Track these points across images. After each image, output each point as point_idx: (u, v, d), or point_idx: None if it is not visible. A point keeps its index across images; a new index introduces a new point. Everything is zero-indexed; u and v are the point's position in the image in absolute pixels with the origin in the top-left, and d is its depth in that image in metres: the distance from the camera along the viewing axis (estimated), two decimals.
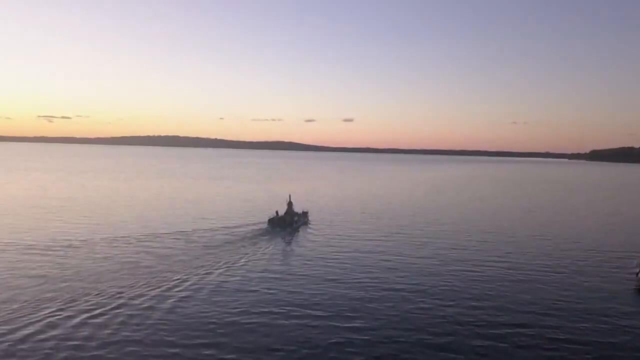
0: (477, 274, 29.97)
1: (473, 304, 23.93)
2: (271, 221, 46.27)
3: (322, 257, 33.76)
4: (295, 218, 49.25)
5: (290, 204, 51.91)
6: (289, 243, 39.77)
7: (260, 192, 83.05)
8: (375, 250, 36.91)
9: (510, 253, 36.54)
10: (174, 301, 23.09)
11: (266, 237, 40.53)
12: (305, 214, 54.12)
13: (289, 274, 29.00)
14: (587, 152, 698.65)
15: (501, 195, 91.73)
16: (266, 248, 36.25)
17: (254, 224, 46.27)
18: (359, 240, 41.00)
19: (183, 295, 24.09)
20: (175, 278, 26.76)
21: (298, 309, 22.69)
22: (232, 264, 30.50)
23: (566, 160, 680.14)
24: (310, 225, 50.21)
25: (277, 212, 49.33)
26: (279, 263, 32.01)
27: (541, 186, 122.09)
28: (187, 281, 26.41)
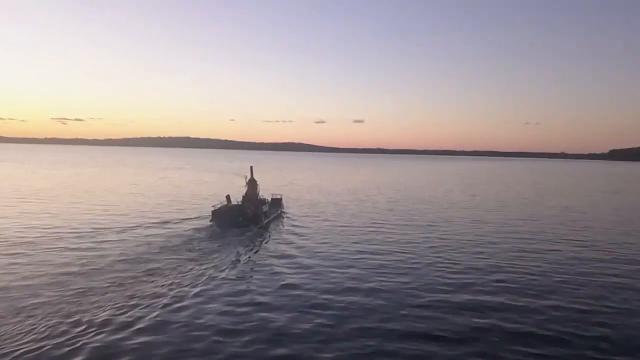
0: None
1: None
2: (217, 215, 33.96)
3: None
4: (265, 208, 37.08)
5: (252, 182, 40.00)
6: (247, 262, 24.98)
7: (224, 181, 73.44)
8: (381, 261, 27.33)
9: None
10: None
11: (201, 248, 26.88)
12: (277, 201, 43.28)
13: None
14: (606, 151, 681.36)
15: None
16: (190, 284, 20.27)
17: (189, 221, 35.17)
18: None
19: None
20: None
21: None
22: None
23: (586, 160, 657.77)
24: (287, 217, 39.45)
25: (227, 197, 37.74)
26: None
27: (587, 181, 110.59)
28: None
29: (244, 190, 39.51)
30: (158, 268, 22.30)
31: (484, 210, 49.44)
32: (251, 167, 40.73)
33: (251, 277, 21.91)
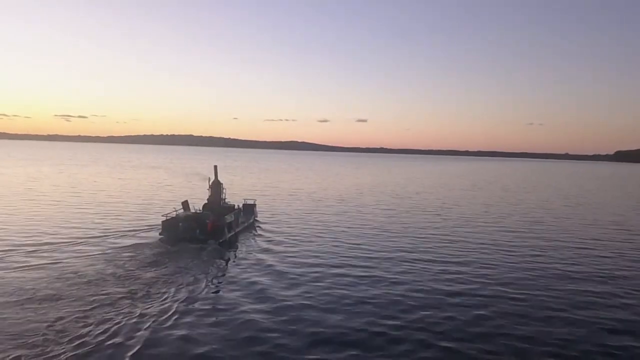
0: None
1: None
2: (168, 227, 27.57)
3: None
4: (229, 218, 30.04)
5: (216, 185, 33.40)
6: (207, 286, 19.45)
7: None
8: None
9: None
10: None
11: (138, 275, 20.42)
12: (249, 207, 36.61)
13: None
14: (612, 152, 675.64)
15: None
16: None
17: (137, 231, 29.27)
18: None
19: None
20: None
21: None
22: None
23: (590, 161, 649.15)
24: (261, 228, 33.27)
25: (184, 203, 31.13)
26: None
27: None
28: None
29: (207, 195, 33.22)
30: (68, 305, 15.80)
31: (538, 222, 42.46)
32: (215, 167, 34.20)
33: (200, 321, 15.65)
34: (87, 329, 14.49)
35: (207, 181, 33.94)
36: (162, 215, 28.95)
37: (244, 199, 38.25)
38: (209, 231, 27.82)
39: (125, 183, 67.85)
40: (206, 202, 32.83)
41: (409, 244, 30.15)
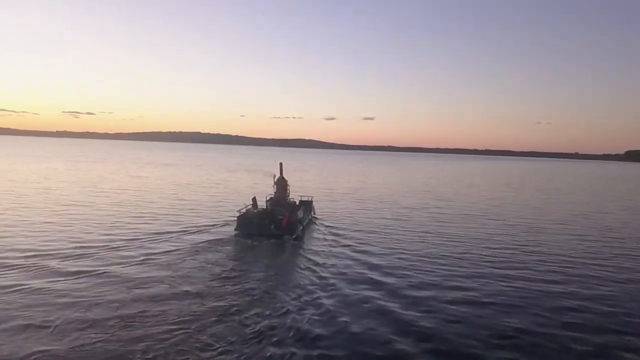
0: None
1: None
2: (242, 222, 28.04)
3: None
4: (300, 214, 30.61)
5: (281, 182, 33.72)
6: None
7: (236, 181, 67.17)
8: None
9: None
10: None
11: (225, 267, 21.28)
12: (306, 204, 36.56)
13: None
14: (622, 152, 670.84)
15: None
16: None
17: (208, 228, 29.25)
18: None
19: None
20: None
21: None
22: None
23: (600, 160, 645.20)
24: (321, 224, 33.18)
25: (254, 199, 31.49)
26: None
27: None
28: None
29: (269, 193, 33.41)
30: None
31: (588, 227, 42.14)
32: (280, 164, 34.34)
33: (330, 305, 16.26)
34: (226, 325, 14.57)
35: (272, 178, 34.04)
36: (237, 211, 29.06)
37: (300, 196, 38.26)
38: (284, 227, 27.92)
39: (180, 180, 68.27)
40: (269, 198, 32.92)
41: (482, 244, 30.08)
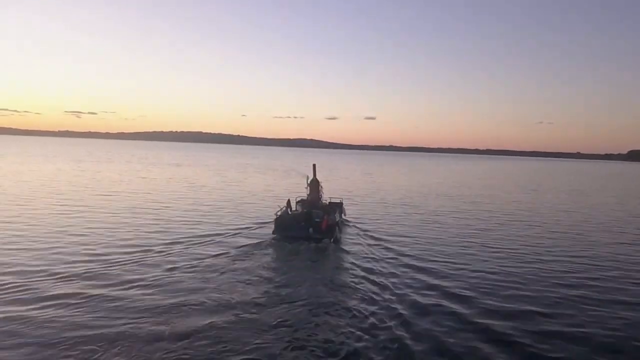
0: None
1: None
2: (280, 225, 27.39)
3: None
4: (338, 218, 29.89)
5: (315, 183, 33.15)
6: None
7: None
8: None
9: None
10: None
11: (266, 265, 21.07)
12: (337, 205, 35.15)
13: None
14: (625, 152, 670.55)
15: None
16: None
17: (245, 230, 28.62)
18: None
19: None
20: None
21: None
22: None
23: (602, 160, 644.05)
24: (351, 226, 32.24)
25: (288, 202, 30.92)
26: None
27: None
28: None
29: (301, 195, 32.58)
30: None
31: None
32: (314, 166, 33.59)
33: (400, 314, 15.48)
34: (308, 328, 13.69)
35: (306, 179, 33.29)
36: (275, 214, 28.24)
37: (329, 197, 37.40)
38: (323, 230, 27.06)
39: (194, 181, 66.90)
40: (302, 199, 32.21)
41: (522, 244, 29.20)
